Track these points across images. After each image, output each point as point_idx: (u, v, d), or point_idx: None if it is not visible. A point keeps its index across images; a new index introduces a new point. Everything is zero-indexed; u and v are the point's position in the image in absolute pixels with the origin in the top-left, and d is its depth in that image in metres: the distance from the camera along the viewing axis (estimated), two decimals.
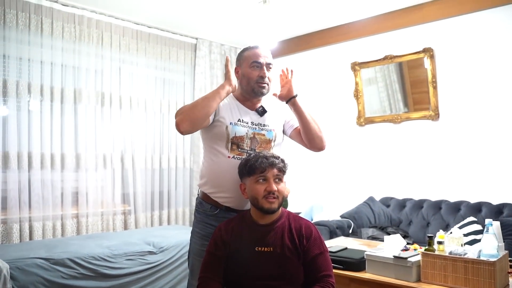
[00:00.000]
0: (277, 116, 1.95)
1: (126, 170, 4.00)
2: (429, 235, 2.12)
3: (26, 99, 3.39)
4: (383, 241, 2.50)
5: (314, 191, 4.43)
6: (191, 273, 1.89)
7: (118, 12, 3.86)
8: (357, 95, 4.17)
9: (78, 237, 3.41)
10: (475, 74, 3.45)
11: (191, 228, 1.96)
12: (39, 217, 3.39)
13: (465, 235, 2.66)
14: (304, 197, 4.37)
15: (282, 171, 1.69)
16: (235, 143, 1.81)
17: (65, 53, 3.62)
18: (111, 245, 3.03)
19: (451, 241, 2.19)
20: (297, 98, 1.86)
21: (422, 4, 3.69)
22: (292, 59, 4.71)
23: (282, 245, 1.64)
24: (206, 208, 1.85)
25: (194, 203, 4.32)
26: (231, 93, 1.85)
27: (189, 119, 1.70)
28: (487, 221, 2.00)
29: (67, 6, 3.60)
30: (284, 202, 1.73)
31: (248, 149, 1.82)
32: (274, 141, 1.90)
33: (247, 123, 1.85)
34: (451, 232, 2.26)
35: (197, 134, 4.03)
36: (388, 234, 3.06)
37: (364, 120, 4.15)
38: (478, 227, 2.81)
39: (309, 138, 1.89)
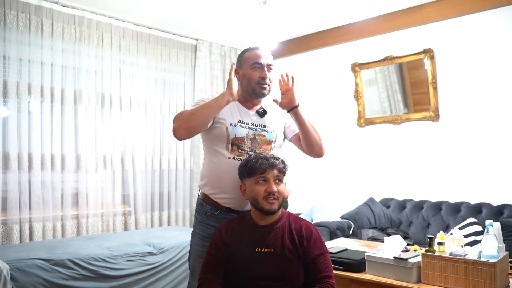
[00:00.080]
0: (278, 117, 1.95)
1: (126, 171, 4.00)
2: (430, 236, 2.12)
3: (27, 100, 3.39)
4: (383, 242, 2.50)
5: (314, 192, 4.43)
6: (192, 274, 1.88)
7: (118, 13, 3.86)
8: (357, 96, 4.17)
9: (78, 238, 3.41)
10: (475, 75, 3.45)
11: (191, 229, 1.96)
12: (39, 218, 3.39)
13: (466, 236, 2.66)
14: (304, 198, 4.37)
15: (282, 172, 1.69)
16: (236, 144, 1.81)
17: (65, 54, 3.62)
18: (111, 246, 3.03)
19: (452, 242, 2.19)
20: (299, 108, 1.83)
21: (422, 5, 3.69)
22: (292, 60, 4.71)
23: (282, 246, 1.64)
24: (207, 209, 1.85)
25: (194, 204, 4.32)
26: None
27: (185, 127, 1.73)
28: (487, 222, 2.00)
29: (67, 7, 3.61)
30: (284, 203, 1.73)
31: (248, 150, 1.82)
32: (275, 142, 1.90)
33: (248, 124, 1.85)
34: (451, 233, 2.26)
35: (197, 136, 4.02)
36: (388, 235, 3.05)
37: (364, 121, 4.15)
38: (478, 228, 2.81)
39: (308, 146, 1.90)
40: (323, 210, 4.11)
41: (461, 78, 3.53)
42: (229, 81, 1.76)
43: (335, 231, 3.36)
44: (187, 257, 1.99)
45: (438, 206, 3.48)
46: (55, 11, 3.54)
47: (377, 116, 4.07)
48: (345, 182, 4.25)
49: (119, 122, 3.95)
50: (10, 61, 3.33)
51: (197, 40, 4.57)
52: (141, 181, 4.10)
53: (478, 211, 3.22)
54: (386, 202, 3.83)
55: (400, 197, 3.80)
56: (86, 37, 3.73)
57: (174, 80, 4.47)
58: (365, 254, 2.23)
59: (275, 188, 1.64)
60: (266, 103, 1.95)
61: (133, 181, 4.04)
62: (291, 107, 1.82)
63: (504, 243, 2.20)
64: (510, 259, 2.09)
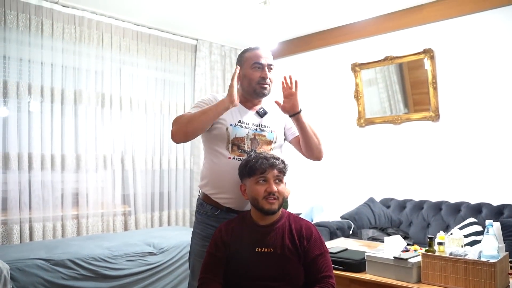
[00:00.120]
0: (278, 118, 1.95)
1: (126, 171, 4.00)
2: (430, 236, 2.12)
3: (27, 100, 3.39)
4: (383, 242, 2.50)
5: (314, 192, 4.43)
6: (192, 274, 1.89)
7: (118, 13, 3.86)
8: (357, 96, 4.17)
9: (78, 238, 3.41)
10: (475, 75, 3.45)
11: (191, 229, 1.96)
12: (39, 218, 3.39)
13: (466, 236, 2.66)
14: (305, 198, 4.37)
15: (282, 172, 1.69)
16: (236, 144, 1.81)
17: (66, 54, 3.62)
18: (111, 246, 3.03)
19: (452, 242, 2.19)
20: (301, 113, 1.82)
21: (422, 5, 3.69)
22: (292, 60, 4.71)
23: (282, 245, 1.64)
24: (207, 209, 1.85)
25: (194, 204, 4.33)
26: None
27: (183, 132, 1.75)
28: (487, 222, 2.00)
29: (68, 7, 3.61)
30: (284, 203, 1.73)
31: (248, 150, 1.82)
32: (275, 142, 1.90)
33: (248, 124, 1.85)
34: (451, 233, 2.26)
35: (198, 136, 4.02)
36: (389, 235, 3.05)
37: (364, 121, 4.15)
38: (478, 228, 2.81)
39: (308, 150, 1.90)
40: (323, 210, 4.11)
41: (461, 78, 3.53)
42: (230, 87, 1.71)
43: (335, 231, 3.36)
44: (187, 257, 1.99)
45: (438, 206, 3.48)
46: (55, 11, 3.54)
47: (377, 116, 4.07)
48: (345, 182, 4.25)
49: (119, 122, 3.95)
50: (10, 61, 3.33)
51: (197, 40, 4.57)
52: (141, 181, 4.10)
53: (478, 211, 3.23)
54: (386, 202, 3.83)
55: (400, 197, 3.80)
56: (86, 37, 3.73)
57: (174, 80, 4.47)
58: (365, 254, 2.23)
59: (275, 188, 1.64)
60: (266, 103, 1.95)
61: (133, 181, 4.04)
62: (293, 113, 1.81)
63: (504, 243, 2.20)
64: (510, 259, 2.09)
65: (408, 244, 2.31)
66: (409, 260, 2.05)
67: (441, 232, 2.17)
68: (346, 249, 2.44)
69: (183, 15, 3.92)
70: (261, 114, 1.89)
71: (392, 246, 2.22)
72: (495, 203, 3.21)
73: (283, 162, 1.71)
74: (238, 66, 1.80)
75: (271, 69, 1.87)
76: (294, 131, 1.95)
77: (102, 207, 3.83)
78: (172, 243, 3.23)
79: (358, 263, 2.22)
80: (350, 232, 3.46)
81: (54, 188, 3.50)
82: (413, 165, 3.80)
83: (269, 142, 1.88)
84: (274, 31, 3.67)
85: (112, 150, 3.90)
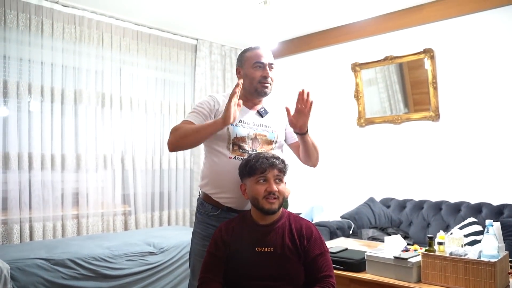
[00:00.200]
0: (279, 118, 1.95)
1: (126, 171, 4.00)
2: (430, 235, 2.12)
3: (27, 100, 3.39)
4: (383, 241, 2.50)
5: (314, 192, 4.43)
6: (192, 273, 1.89)
7: (118, 13, 3.86)
8: (357, 96, 4.17)
9: (79, 238, 3.41)
10: (475, 75, 3.46)
11: (191, 229, 1.96)
12: (39, 217, 3.39)
13: (466, 235, 2.66)
14: (305, 198, 4.37)
15: (283, 171, 1.69)
16: (236, 144, 1.81)
17: (66, 54, 3.62)
18: (112, 246, 3.03)
19: (452, 242, 2.19)
20: (307, 133, 1.83)
21: (423, 5, 3.69)
22: (292, 60, 4.72)
23: (282, 245, 1.64)
24: (207, 208, 1.85)
25: (194, 204, 4.34)
26: None
27: (177, 145, 1.81)
28: (487, 221, 2.00)
29: (68, 7, 3.61)
30: (284, 203, 1.73)
31: (249, 149, 1.82)
32: (276, 142, 1.90)
33: (248, 124, 1.85)
34: (451, 233, 2.26)
35: None
36: (389, 234, 3.05)
37: (364, 121, 4.15)
38: (478, 227, 2.81)
39: (306, 158, 1.94)
40: (323, 210, 4.11)
41: (461, 78, 3.53)
42: (227, 108, 1.64)
43: (335, 231, 3.36)
44: (187, 257, 1.99)
45: (438, 206, 3.48)
46: (55, 11, 3.54)
47: (377, 116, 4.07)
48: (345, 182, 4.25)
49: (119, 122, 3.95)
50: (10, 61, 3.33)
51: (197, 40, 4.57)
52: (141, 180, 4.10)
53: (478, 211, 3.23)
54: (386, 202, 3.83)
55: (400, 197, 3.80)
56: (86, 37, 3.73)
57: (174, 80, 4.47)
58: (365, 253, 2.23)
59: (275, 187, 1.64)
60: (267, 102, 1.95)
61: (133, 180, 4.04)
62: (300, 132, 1.82)
63: (504, 243, 2.20)
64: (510, 259, 2.09)
65: (408, 244, 2.31)
66: (409, 260, 2.05)
67: (441, 232, 2.17)
68: (346, 249, 2.44)
69: (183, 15, 3.92)
70: (262, 113, 1.89)
71: (392, 246, 2.22)
72: (495, 203, 3.22)
73: (283, 161, 1.71)
74: (239, 82, 1.69)
75: (272, 68, 1.87)
76: (294, 136, 1.95)
77: (102, 206, 3.83)
78: (172, 243, 3.23)
79: (358, 263, 2.22)
80: (350, 232, 3.46)
81: (54, 188, 3.50)
82: (413, 165, 3.80)
83: (270, 142, 1.88)
84: (274, 31, 3.67)
85: (112, 150, 3.90)
